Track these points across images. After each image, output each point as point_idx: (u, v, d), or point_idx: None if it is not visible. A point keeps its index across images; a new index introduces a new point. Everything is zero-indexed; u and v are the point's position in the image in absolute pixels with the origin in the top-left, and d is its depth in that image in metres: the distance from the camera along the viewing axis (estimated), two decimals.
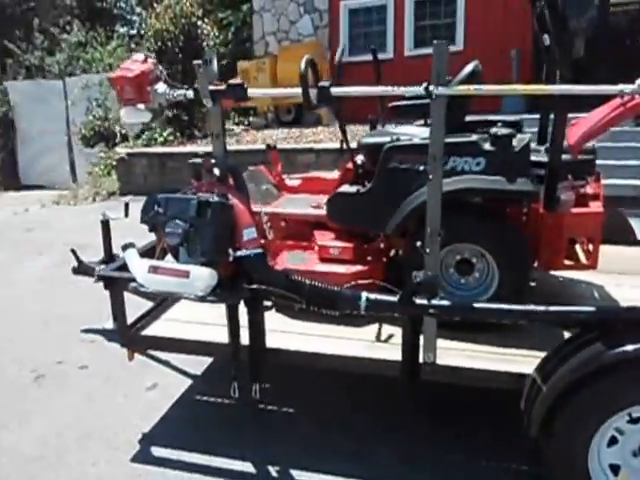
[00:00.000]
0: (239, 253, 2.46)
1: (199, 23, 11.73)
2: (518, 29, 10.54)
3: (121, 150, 10.51)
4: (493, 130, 2.98)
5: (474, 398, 3.10)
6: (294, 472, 2.84)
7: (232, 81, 2.59)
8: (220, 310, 2.81)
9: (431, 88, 2.35)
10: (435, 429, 3.16)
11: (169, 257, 2.67)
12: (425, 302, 2.45)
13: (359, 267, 3.23)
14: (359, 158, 3.51)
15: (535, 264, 3.19)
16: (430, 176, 2.47)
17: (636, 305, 2.35)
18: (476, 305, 2.48)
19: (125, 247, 2.64)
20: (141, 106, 2.66)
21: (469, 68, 3.24)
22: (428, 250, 2.54)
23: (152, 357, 3.79)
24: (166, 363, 3.85)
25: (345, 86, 2.58)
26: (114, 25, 19.85)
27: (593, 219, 3.12)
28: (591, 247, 3.14)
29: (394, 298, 2.48)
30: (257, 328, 2.77)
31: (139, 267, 2.51)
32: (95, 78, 12.99)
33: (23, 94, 14.22)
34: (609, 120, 2.40)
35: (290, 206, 3.71)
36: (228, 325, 2.77)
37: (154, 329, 3.23)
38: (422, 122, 3.63)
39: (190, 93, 2.63)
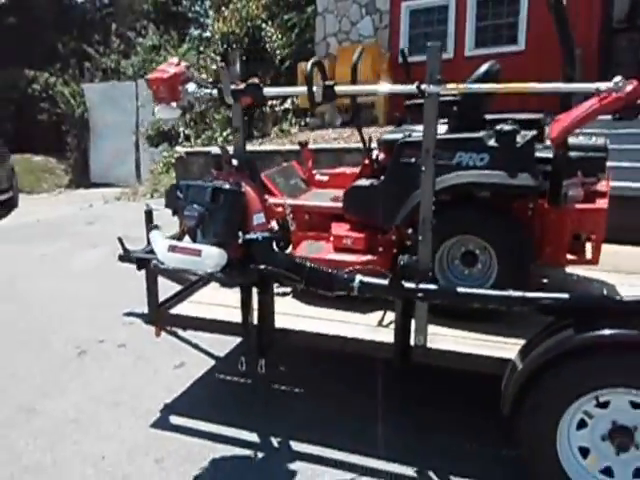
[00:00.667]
0: (248, 236, 2.70)
1: (263, 26, 12.10)
2: (582, 29, 10.34)
3: (180, 149, 11.02)
4: (498, 127, 3.11)
5: (481, 386, 3.21)
6: (295, 444, 3.07)
7: (251, 81, 2.83)
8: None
9: (423, 87, 2.52)
10: (439, 415, 3.29)
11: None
12: (413, 286, 2.62)
13: (369, 257, 3.42)
14: (378, 154, 3.70)
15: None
16: (423, 168, 2.64)
17: (607, 295, 2.45)
18: (459, 290, 2.63)
19: (150, 229, 2.93)
20: (173, 104, 2.94)
21: (483, 68, 3.37)
22: (421, 237, 2.72)
23: (181, 339, 4.10)
24: (195, 346, 4.15)
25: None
26: (188, 28, 20.49)
27: (596, 215, 3.20)
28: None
29: (385, 281, 2.66)
30: (266, 308, 3.00)
31: (161, 246, 2.78)
32: None
33: (98, 95, 15.07)
34: (586, 115, 2.49)
35: (313, 199, 3.93)
36: (241, 305, 3.02)
37: (180, 309, 3.52)
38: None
39: (215, 92, 2.90)
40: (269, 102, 12.48)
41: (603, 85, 2.32)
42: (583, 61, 10.00)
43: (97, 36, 18.01)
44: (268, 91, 2.81)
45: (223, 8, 12.40)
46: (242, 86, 2.82)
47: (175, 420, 3.36)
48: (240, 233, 2.69)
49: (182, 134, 12.60)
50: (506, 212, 3.17)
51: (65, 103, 15.76)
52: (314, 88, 2.65)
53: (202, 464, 2.96)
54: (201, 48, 13.49)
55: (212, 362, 4.01)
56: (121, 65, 16.11)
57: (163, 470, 2.93)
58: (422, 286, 2.62)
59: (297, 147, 9.39)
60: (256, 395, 3.59)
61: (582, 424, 2.45)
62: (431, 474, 2.83)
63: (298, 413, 3.37)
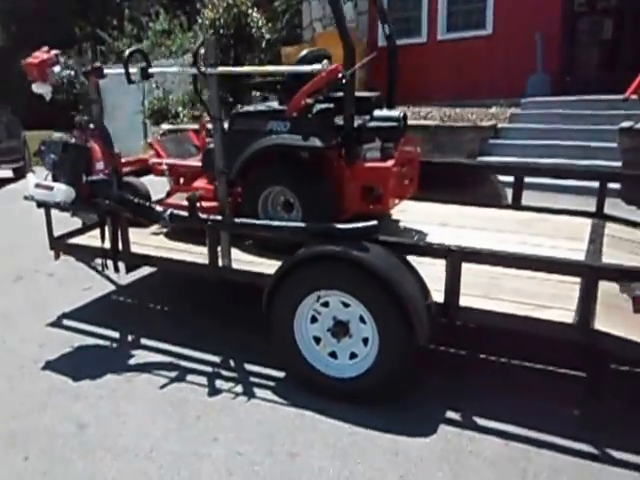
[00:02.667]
0: (90, 178, 3.70)
1: (249, 12, 12.98)
2: (543, 13, 10.86)
3: (165, 126, 12.10)
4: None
5: None
6: (146, 340, 4.10)
7: (97, 64, 3.82)
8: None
9: (203, 69, 3.45)
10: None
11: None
12: (205, 217, 3.58)
13: (214, 203, 4.34)
14: None
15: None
16: (213, 131, 3.57)
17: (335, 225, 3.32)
18: (235, 220, 3.57)
19: (27, 172, 3.95)
20: (47, 82, 3.94)
21: (302, 54, 4.21)
22: (217, 183, 3.67)
23: (98, 271, 5.14)
24: (106, 276, 5.18)
25: None
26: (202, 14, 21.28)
27: (381, 172, 4.01)
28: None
29: (186, 213, 3.62)
30: (116, 235, 4.00)
31: (31, 184, 3.81)
32: (164, 63, 14.64)
33: (109, 77, 16.15)
34: (306, 90, 3.39)
35: (190, 160, 4.87)
36: (99, 233, 4.03)
37: (75, 240, 4.55)
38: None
39: (72, 73, 3.89)
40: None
41: (317, 67, 3.23)
42: (545, 43, 10.65)
43: (115, 21, 19.06)
44: (107, 71, 3.79)
45: None
46: (89, 68, 3.80)
47: (65, 322, 4.45)
48: (84, 176, 3.68)
49: (181, 113, 13.68)
50: (310, 168, 4.03)
51: (80, 83, 16.92)
52: (133, 70, 3.62)
53: (74, 346, 4.04)
54: (199, 33, 14.38)
55: (113, 287, 5.06)
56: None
57: (42, 350, 4.02)
58: (211, 217, 3.58)
59: None
60: (133, 311, 4.67)
61: (314, 319, 3.36)
62: (231, 362, 3.81)
63: (157, 322, 4.43)
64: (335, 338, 3.32)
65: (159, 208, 3.70)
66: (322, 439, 3.02)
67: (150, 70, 3.65)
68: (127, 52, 3.79)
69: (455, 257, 3.10)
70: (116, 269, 4.05)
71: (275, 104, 4.52)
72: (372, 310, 3.14)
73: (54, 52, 3.93)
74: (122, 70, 3.85)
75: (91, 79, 3.87)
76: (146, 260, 4.15)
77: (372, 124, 4.13)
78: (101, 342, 4.11)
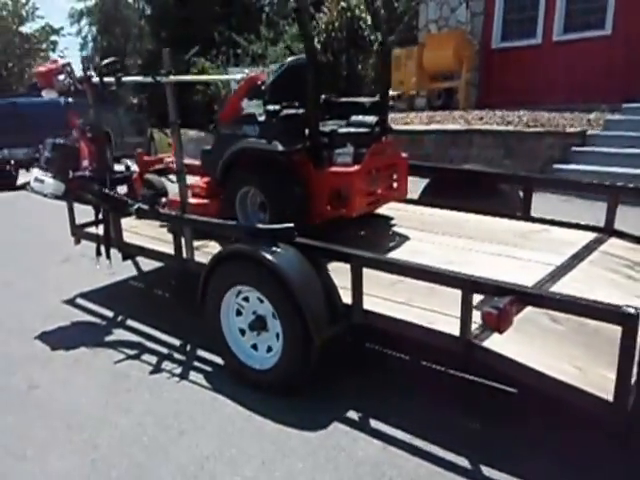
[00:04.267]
0: (76, 173, 4.20)
1: (363, 15, 13.19)
2: None
3: None
4: (269, 107, 4.19)
5: None
6: (131, 321, 4.55)
7: (89, 73, 4.31)
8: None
9: (158, 78, 3.79)
10: None
11: None
12: (161, 212, 3.93)
13: (204, 200, 4.65)
14: None
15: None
16: (171, 133, 3.90)
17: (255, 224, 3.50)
18: (185, 216, 3.86)
19: (33, 167, 4.55)
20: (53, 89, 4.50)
21: (287, 60, 4.43)
22: (178, 180, 3.99)
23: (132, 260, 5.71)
24: (135, 263, 5.71)
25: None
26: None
27: (345, 177, 4.10)
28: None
29: (147, 207, 3.98)
30: (108, 225, 4.47)
31: (32, 178, 4.40)
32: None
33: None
34: (233, 99, 3.57)
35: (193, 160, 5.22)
36: (95, 222, 4.54)
37: (92, 229, 5.10)
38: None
39: (71, 81, 4.41)
40: None
41: (238, 76, 3.44)
42: None
43: (261, 25, 20.10)
44: (94, 80, 4.26)
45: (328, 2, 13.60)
46: (84, 76, 4.30)
47: (79, 301, 5.04)
48: (71, 171, 4.19)
49: None
50: (278, 171, 4.19)
51: (215, 85, 18.16)
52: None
53: (73, 320, 4.62)
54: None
55: (135, 273, 5.60)
56: (267, 52, 18.02)
57: (45, 322, 4.61)
58: (161, 211, 3.92)
59: None
60: (142, 295, 5.19)
61: (240, 312, 3.57)
62: (188, 346, 4.13)
63: (151, 307, 4.88)
64: (255, 331, 3.49)
65: (130, 201, 4.10)
66: (218, 421, 3.23)
67: (123, 79, 4.07)
68: (103, 63, 4.24)
69: (356, 262, 3.16)
70: (107, 256, 4.54)
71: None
72: (276, 307, 3.29)
73: (61, 62, 4.48)
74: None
75: (87, 86, 4.36)
76: (134, 249, 4.59)
77: (343, 129, 4.25)
78: (93, 319, 4.63)
